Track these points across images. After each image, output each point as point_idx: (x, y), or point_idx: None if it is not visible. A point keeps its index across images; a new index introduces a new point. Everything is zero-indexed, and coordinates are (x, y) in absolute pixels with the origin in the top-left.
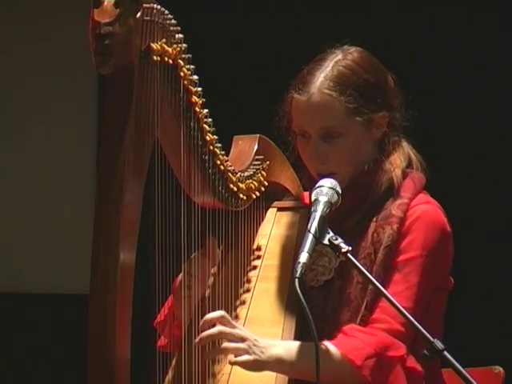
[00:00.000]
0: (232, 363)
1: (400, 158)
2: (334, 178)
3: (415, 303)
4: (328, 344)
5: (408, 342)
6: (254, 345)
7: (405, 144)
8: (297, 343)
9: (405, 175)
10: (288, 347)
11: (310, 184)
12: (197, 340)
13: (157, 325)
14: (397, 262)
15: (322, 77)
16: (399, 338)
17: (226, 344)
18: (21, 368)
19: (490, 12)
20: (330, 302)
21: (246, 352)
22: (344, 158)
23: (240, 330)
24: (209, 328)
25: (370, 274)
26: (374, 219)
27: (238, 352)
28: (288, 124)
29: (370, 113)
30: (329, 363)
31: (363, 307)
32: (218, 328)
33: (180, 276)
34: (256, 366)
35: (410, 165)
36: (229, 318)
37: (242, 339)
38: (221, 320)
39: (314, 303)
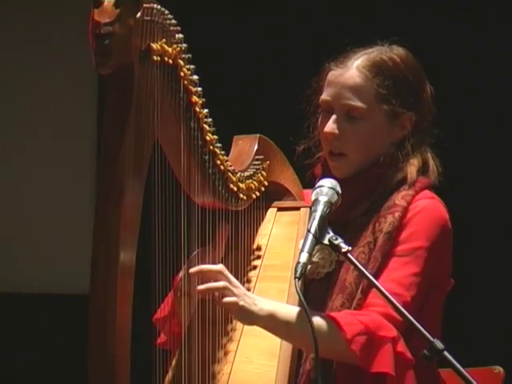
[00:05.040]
0: (221, 304)
1: (418, 160)
2: (341, 161)
3: (409, 292)
4: (324, 316)
5: (401, 328)
6: (245, 294)
7: (428, 150)
8: (290, 306)
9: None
10: (282, 307)
11: (314, 180)
12: (200, 288)
13: (156, 321)
14: (396, 250)
15: (364, 57)
16: (392, 322)
17: (212, 284)
18: (21, 368)
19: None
20: (330, 292)
21: (235, 295)
22: (358, 141)
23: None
24: (207, 279)
25: (368, 260)
26: (379, 210)
27: (224, 292)
28: (315, 105)
29: (397, 105)
30: (323, 334)
31: (359, 291)
32: (225, 283)
33: (180, 274)
34: (246, 314)
35: (426, 170)
36: (227, 273)
37: (235, 287)
38: (218, 274)
39: (314, 294)
